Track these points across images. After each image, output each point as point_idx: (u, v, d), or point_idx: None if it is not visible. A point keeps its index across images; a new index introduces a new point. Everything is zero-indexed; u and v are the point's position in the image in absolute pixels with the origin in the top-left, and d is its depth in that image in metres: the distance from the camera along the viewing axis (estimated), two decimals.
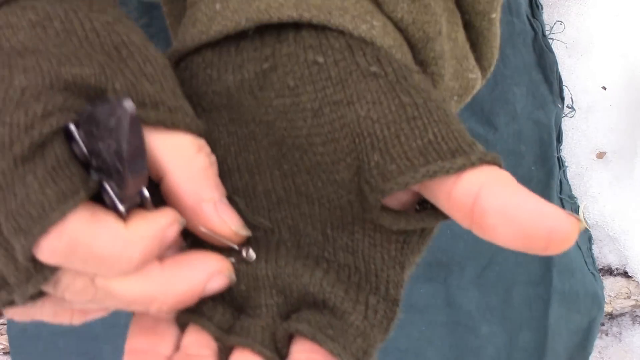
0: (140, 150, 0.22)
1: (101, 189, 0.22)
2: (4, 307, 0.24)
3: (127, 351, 0.25)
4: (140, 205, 0.23)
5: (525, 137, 0.59)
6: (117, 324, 0.55)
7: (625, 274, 0.64)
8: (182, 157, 0.24)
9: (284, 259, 0.25)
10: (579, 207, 0.61)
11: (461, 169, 0.21)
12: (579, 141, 0.63)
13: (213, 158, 0.25)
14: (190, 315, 0.25)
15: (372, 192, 0.22)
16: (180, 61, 0.27)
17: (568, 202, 0.61)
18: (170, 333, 0.25)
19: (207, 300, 0.25)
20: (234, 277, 0.25)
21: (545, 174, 0.59)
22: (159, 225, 0.23)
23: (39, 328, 0.55)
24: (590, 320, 0.59)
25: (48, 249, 0.21)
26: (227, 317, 0.25)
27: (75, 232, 0.21)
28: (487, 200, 0.20)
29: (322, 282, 0.24)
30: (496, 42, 0.30)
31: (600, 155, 0.63)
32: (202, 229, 0.24)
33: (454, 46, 0.28)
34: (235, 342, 0.24)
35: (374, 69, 0.23)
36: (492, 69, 0.30)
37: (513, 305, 0.56)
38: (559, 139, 0.62)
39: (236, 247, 0.25)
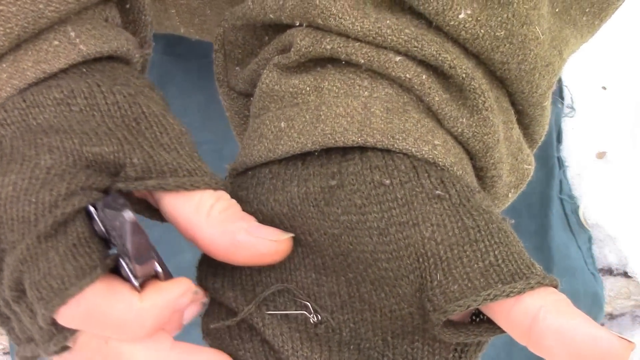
0: (143, 246, 0.24)
1: (118, 262, 0.25)
2: (33, 358, 0.26)
3: None
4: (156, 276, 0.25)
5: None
6: None
7: (625, 274, 0.64)
8: (202, 212, 0.25)
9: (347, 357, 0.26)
10: (578, 207, 0.61)
11: (521, 292, 0.22)
12: (579, 141, 0.63)
13: (233, 202, 0.26)
14: None
15: (434, 311, 0.23)
16: (248, 170, 0.28)
17: (568, 202, 0.61)
18: None
19: None
20: None
21: (545, 174, 0.59)
22: (171, 296, 0.24)
23: None
24: None
25: (66, 316, 0.23)
26: None
27: (91, 303, 0.23)
28: (545, 322, 0.22)
29: None
30: (547, 119, 0.31)
31: (600, 155, 0.63)
32: (251, 258, 0.25)
33: (510, 144, 0.29)
34: None
35: (438, 191, 0.24)
36: (542, 140, 0.32)
37: None
38: (559, 139, 0.62)
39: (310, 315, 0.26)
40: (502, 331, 0.24)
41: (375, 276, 0.25)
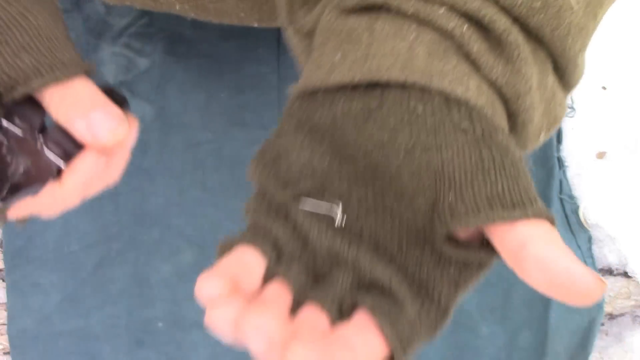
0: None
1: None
2: None
3: (216, 267, 0.27)
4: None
5: None
6: (117, 324, 0.55)
7: (625, 274, 0.64)
8: (70, 99, 0.30)
9: (363, 249, 0.29)
10: (578, 207, 0.61)
11: (517, 219, 0.25)
12: (579, 141, 0.63)
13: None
14: (276, 268, 0.28)
15: (441, 225, 0.27)
16: (304, 94, 0.31)
17: (568, 202, 0.61)
18: (257, 280, 0.28)
19: (294, 265, 0.29)
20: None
21: (545, 174, 0.59)
22: (85, 171, 0.31)
23: (39, 328, 0.55)
24: (590, 321, 0.59)
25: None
26: (307, 285, 0.29)
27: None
28: (530, 250, 0.24)
29: (391, 277, 0.28)
30: (582, 69, 0.34)
31: (600, 155, 0.63)
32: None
33: (544, 91, 0.31)
34: (309, 296, 0.28)
35: (464, 125, 0.27)
36: (578, 84, 0.35)
37: (513, 305, 0.56)
38: (559, 139, 0.62)
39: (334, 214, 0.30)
40: (498, 257, 0.27)
41: (398, 189, 0.28)
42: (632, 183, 0.62)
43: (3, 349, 0.57)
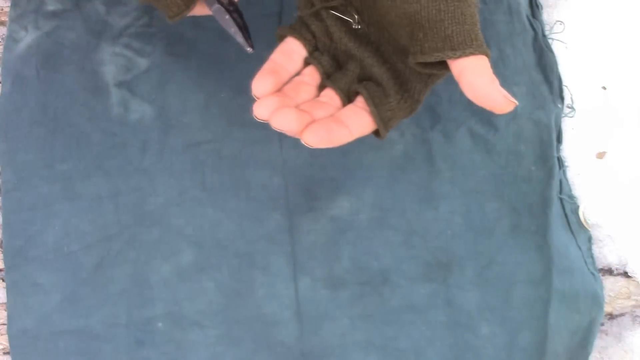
0: None
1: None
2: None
3: (269, 59, 0.43)
4: None
5: (525, 137, 0.59)
6: (117, 324, 0.55)
7: (625, 274, 0.64)
8: None
9: (368, 52, 0.43)
10: (578, 207, 0.61)
11: (461, 56, 0.37)
12: (579, 141, 0.63)
13: None
14: (311, 58, 0.44)
15: (410, 55, 0.39)
16: None
17: (568, 202, 0.61)
18: (298, 62, 0.44)
19: (324, 55, 0.44)
20: None
21: (545, 174, 0.59)
22: None
23: (39, 328, 0.55)
24: (590, 320, 0.59)
25: None
26: (332, 68, 0.44)
27: None
28: (463, 77, 0.37)
29: (384, 74, 0.42)
30: None
31: (600, 155, 0.63)
32: None
33: None
34: (329, 84, 0.42)
35: None
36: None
37: (513, 305, 0.56)
38: (559, 139, 0.62)
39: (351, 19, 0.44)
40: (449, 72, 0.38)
41: (390, 20, 0.40)
42: (632, 183, 0.62)
43: (3, 349, 0.57)
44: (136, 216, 0.56)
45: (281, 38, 0.44)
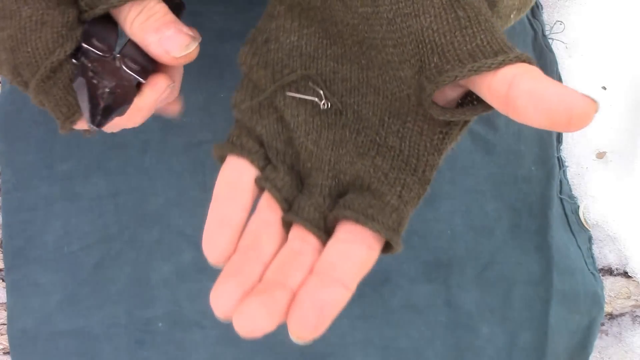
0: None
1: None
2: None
3: (213, 199, 0.33)
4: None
5: (525, 137, 0.60)
6: (117, 324, 0.55)
7: (625, 274, 0.64)
8: (127, 24, 0.33)
9: (344, 148, 0.31)
10: (578, 207, 0.61)
11: (500, 64, 0.26)
12: (579, 141, 0.63)
13: (157, 9, 0.33)
14: (264, 182, 0.32)
15: (429, 83, 0.28)
16: None
17: (568, 202, 0.61)
18: (249, 189, 0.32)
19: (279, 170, 0.32)
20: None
21: (545, 174, 0.59)
22: (157, 94, 0.35)
23: (39, 328, 0.55)
24: (590, 320, 0.59)
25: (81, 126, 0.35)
26: (293, 187, 0.32)
27: None
28: (519, 86, 0.25)
29: (369, 168, 0.30)
30: None
31: (600, 155, 0.63)
32: (163, 59, 0.33)
33: None
34: (294, 219, 0.30)
35: None
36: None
37: (513, 305, 0.56)
38: (559, 139, 0.62)
39: (316, 100, 0.32)
40: (485, 109, 0.29)
41: (383, 61, 0.30)
42: (632, 183, 0.62)
43: (3, 349, 0.57)
44: (136, 216, 0.56)
45: (221, 159, 0.34)
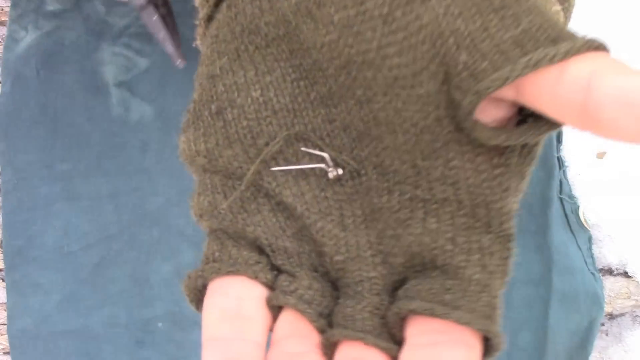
0: None
1: None
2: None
3: (206, 339, 0.20)
4: None
5: None
6: (117, 324, 0.55)
7: (625, 274, 0.64)
8: None
9: (381, 219, 0.21)
10: (578, 207, 0.61)
11: (566, 56, 0.17)
12: (579, 141, 0.63)
13: None
14: (283, 298, 0.21)
15: (465, 96, 0.18)
16: (221, 1, 0.24)
17: (568, 202, 0.61)
18: (259, 317, 0.21)
19: (300, 277, 0.21)
20: None
21: (545, 174, 0.59)
22: None
23: (39, 328, 0.55)
24: (590, 320, 0.59)
25: None
26: (326, 296, 0.21)
27: None
28: (602, 89, 0.17)
29: (425, 237, 0.20)
30: None
31: (600, 155, 0.63)
32: None
33: None
34: (342, 336, 0.20)
35: None
36: None
37: (513, 305, 0.56)
38: (559, 139, 0.62)
39: (324, 166, 0.22)
40: (551, 127, 0.20)
41: (387, 80, 0.20)
42: (632, 183, 0.62)
43: (3, 349, 0.57)
44: (136, 216, 0.56)
45: (198, 294, 0.23)
